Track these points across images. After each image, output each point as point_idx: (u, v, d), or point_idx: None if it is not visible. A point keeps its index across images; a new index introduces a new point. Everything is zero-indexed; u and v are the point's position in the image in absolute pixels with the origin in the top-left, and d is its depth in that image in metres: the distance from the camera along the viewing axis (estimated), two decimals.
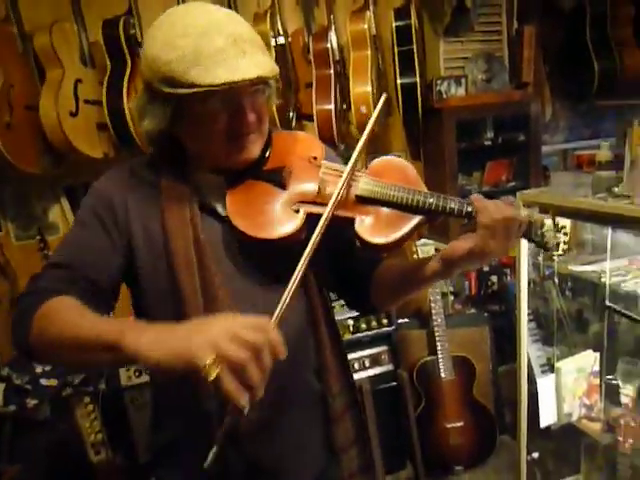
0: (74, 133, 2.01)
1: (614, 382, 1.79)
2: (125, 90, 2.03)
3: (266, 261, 0.90)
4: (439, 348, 2.37)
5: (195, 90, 0.79)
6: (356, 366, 2.33)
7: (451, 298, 2.67)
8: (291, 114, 2.35)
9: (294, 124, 2.38)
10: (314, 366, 0.96)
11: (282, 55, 2.32)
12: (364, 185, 0.87)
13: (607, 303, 1.70)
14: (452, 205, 0.83)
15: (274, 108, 2.12)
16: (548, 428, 1.97)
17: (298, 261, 0.77)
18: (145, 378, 2.05)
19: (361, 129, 2.34)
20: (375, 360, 2.37)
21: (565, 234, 0.88)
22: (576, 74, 2.90)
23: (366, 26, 2.35)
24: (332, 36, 2.35)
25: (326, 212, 0.83)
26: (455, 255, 0.84)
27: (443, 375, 2.37)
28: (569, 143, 3.12)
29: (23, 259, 2.23)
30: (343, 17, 2.42)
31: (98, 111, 2.08)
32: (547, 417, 1.94)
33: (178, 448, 0.95)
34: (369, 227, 0.86)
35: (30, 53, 2.03)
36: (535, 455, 2.09)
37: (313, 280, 0.93)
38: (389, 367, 2.38)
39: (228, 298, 0.88)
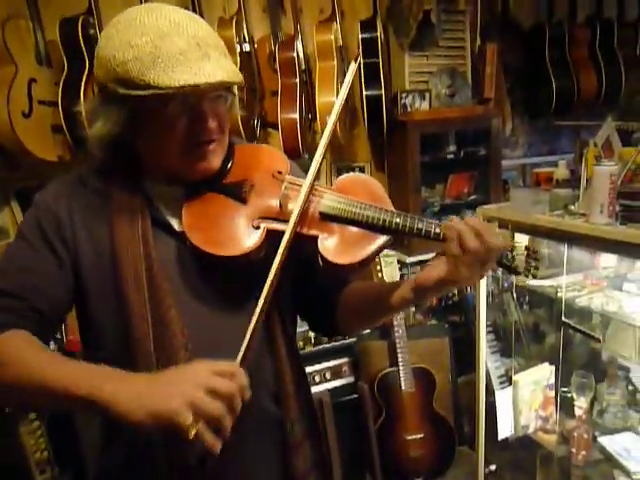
0: (26, 135, 1.91)
1: (569, 395, 1.83)
2: (82, 91, 1.95)
3: (223, 281, 0.85)
4: (400, 360, 2.37)
5: (152, 92, 0.75)
6: (317, 379, 2.30)
7: (412, 309, 2.69)
8: (256, 122, 2.32)
9: (259, 132, 2.35)
10: (272, 391, 0.91)
11: (247, 62, 2.29)
12: (328, 202, 0.84)
13: (563, 319, 1.74)
14: (419, 226, 0.80)
15: (238, 118, 2.08)
16: (505, 439, 2.01)
17: (258, 280, 0.73)
18: None
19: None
20: (336, 372, 2.35)
21: (536, 259, 0.86)
22: (535, 92, 2.99)
23: (332, 37, 2.35)
24: (298, 45, 2.34)
25: (288, 230, 0.79)
26: (427, 284, 0.81)
27: (403, 387, 2.37)
28: (528, 158, 3.21)
29: None
30: (310, 27, 2.42)
31: (53, 112, 1.99)
32: (505, 429, 1.97)
33: (121, 477, 0.90)
34: (332, 246, 0.82)
35: None
36: (493, 467, 2.11)
37: (273, 303, 0.87)
38: (350, 379, 2.37)
39: (179, 320, 0.82)
